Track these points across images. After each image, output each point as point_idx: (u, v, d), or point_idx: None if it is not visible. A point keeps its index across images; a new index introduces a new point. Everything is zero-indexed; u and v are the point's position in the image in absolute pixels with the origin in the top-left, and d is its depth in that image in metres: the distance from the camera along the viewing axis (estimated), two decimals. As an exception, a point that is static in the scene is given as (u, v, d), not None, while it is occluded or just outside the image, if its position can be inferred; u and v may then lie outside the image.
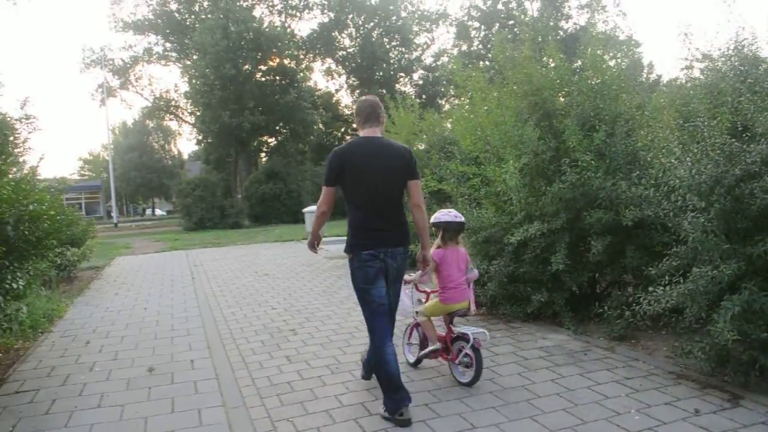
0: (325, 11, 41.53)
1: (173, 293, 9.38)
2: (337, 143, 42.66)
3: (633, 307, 4.74)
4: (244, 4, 35.63)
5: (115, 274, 12.28)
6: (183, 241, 20.89)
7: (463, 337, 4.41)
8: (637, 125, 5.99)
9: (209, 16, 33.75)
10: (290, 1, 40.35)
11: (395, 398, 3.87)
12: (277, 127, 34.89)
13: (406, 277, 4.44)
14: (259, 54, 32.46)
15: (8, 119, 6.07)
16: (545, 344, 5.44)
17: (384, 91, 36.66)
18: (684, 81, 6.66)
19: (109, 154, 46.65)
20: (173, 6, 38.04)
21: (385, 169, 4.04)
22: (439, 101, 40.72)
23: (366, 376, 4.65)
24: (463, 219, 4.73)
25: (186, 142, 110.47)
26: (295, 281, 9.87)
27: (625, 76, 6.18)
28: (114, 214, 44.84)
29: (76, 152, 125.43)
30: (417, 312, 4.80)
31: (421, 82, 44.39)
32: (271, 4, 40.00)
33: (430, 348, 4.69)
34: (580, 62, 7.24)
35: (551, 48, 6.69)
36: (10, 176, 5.94)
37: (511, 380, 4.53)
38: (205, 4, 36.70)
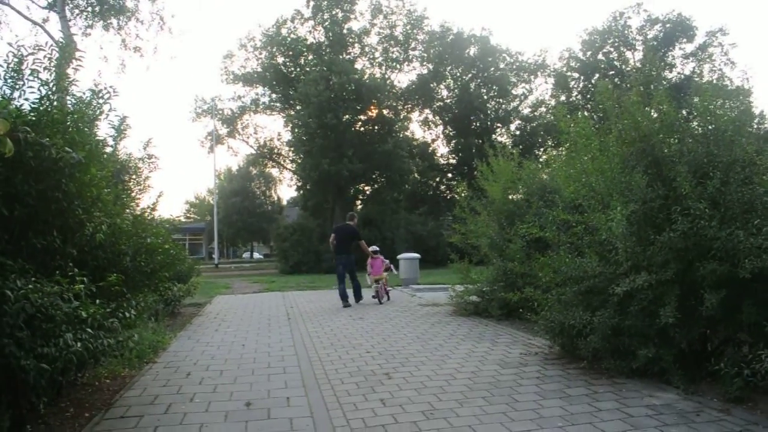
0: (425, 63, 42.30)
1: (270, 332, 9.58)
2: (431, 192, 42.95)
3: (752, 365, 4.40)
4: (347, 57, 36.90)
5: (215, 311, 12.73)
6: (279, 283, 21.42)
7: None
8: (756, 172, 5.65)
9: (314, 68, 35.12)
10: (391, 54, 41.42)
11: (343, 303, 12.72)
12: (374, 175, 35.48)
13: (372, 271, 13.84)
14: (360, 104, 33.41)
15: (133, 159, 6.54)
16: (652, 402, 5.11)
17: (480, 141, 36.76)
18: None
19: (214, 198, 49.04)
20: (280, 59, 39.89)
21: (346, 233, 13.31)
22: (537, 152, 40.22)
23: (346, 304, 12.70)
24: (375, 248, 14.12)
25: (286, 189, 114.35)
26: (389, 326, 9.85)
27: (740, 123, 5.87)
28: (215, 255, 46.72)
29: (183, 195, 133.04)
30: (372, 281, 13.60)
31: (518, 132, 44.01)
32: (372, 57, 41.23)
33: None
34: (684, 112, 6.97)
35: (660, 94, 6.46)
36: (128, 211, 6.35)
37: (617, 438, 4.28)
38: (310, 57, 38.31)
